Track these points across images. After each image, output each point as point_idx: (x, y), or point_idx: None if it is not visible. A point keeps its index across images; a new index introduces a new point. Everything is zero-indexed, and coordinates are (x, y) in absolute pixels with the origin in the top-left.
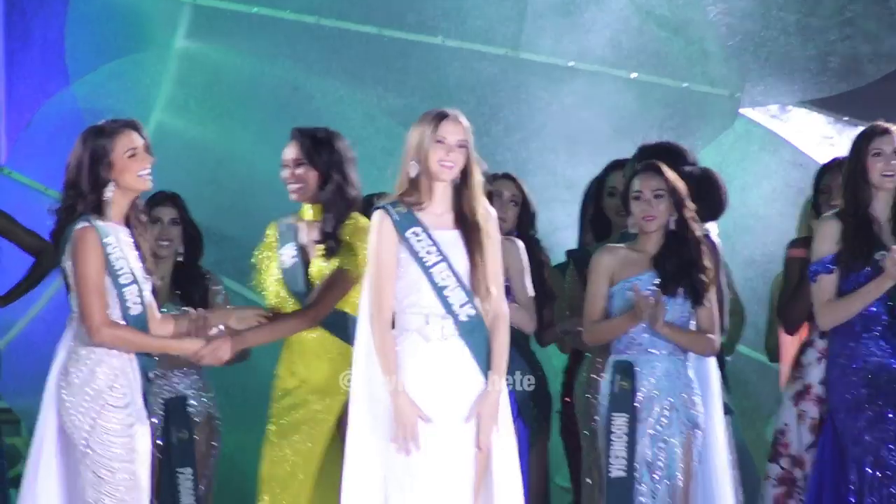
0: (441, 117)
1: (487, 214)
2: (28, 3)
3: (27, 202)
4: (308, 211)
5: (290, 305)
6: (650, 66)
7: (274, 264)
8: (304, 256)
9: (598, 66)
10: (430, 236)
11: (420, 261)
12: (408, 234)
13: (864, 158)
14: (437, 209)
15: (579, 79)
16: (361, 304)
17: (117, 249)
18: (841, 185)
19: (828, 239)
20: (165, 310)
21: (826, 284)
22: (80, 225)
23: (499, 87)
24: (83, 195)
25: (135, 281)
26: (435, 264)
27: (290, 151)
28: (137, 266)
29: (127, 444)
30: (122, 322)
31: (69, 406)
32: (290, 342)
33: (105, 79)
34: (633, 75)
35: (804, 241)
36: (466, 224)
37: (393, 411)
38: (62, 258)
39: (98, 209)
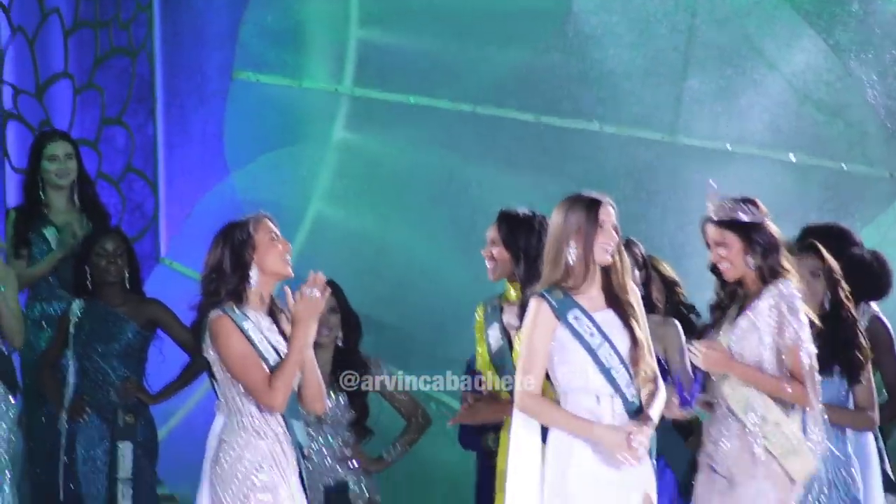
0: (598, 202)
1: (636, 293)
2: (187, 98)
3: (187, 293)
4: (510, 291)
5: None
6: (809, 148)
7: (483, 346)
8: (508, 337)
9: (756, 149)
10: (591, 318)
11: (585, 343)
12: (569, 317)
13: None
14: (593, 291)
15: (737, 162)
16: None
17: (258, 333)
18: None
19: None
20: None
21: None
22: (214, 314)
23: (656, 172)
24: (225, 281)
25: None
26: (599, 346)
27: (491, 231)
28: (284, 349)
29: None
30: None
31: (220, 490)
32: None
33: (264, 170)
34: (792, 158)
35: None
36: (619, 303)
37: (605, 442)
38: (203, 347)
39: (238, 297)
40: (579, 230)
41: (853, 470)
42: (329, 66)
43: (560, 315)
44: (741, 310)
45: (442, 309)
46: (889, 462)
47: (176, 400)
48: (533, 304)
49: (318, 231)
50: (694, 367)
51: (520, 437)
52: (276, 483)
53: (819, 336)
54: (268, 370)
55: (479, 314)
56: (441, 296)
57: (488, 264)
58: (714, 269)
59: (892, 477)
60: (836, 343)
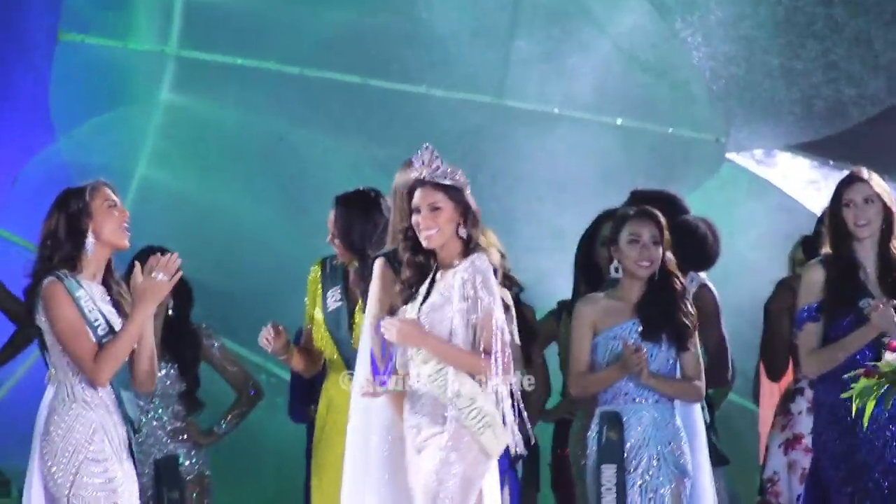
0: None
1: None
2: (12, 61)
3: (14, 259)
4: None
5: (331, 348)
6: (635, 111)
7: (315, 303)
8: (349, 301)
9: (584, 112)
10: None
11: None
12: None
13: (839, 208)
14: None
15: (565, 125)
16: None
17: (90, 302)
18: (825, 232)
19: (813, 286)
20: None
21: (811, 332)
22: (48, 280)
23: (484, 136)
24: (59, 248)
25: (111, 331)
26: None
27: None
28: (116, 321)
29: (109, 498)
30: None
31: (50, 463)
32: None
33: (90, 133)
34: (619, 121)
35: (784, 289)
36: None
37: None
38: (36, 316)
39: (72, 265)
40: (403, 190)
41: (682, 443)
42: (155, 27)
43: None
44: (433, 282)
45: (270, 273)
46: (716, 435)
47: (3, 371)
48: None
49: (145, 194)
50: (386, 342)
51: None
52: (107, 455)
53: (648, 303)
54: (95, 341)
55: (315, 271)
56: (269, 260)
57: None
58: (408, 236)
59: (719, 450)
60: (664, 311)
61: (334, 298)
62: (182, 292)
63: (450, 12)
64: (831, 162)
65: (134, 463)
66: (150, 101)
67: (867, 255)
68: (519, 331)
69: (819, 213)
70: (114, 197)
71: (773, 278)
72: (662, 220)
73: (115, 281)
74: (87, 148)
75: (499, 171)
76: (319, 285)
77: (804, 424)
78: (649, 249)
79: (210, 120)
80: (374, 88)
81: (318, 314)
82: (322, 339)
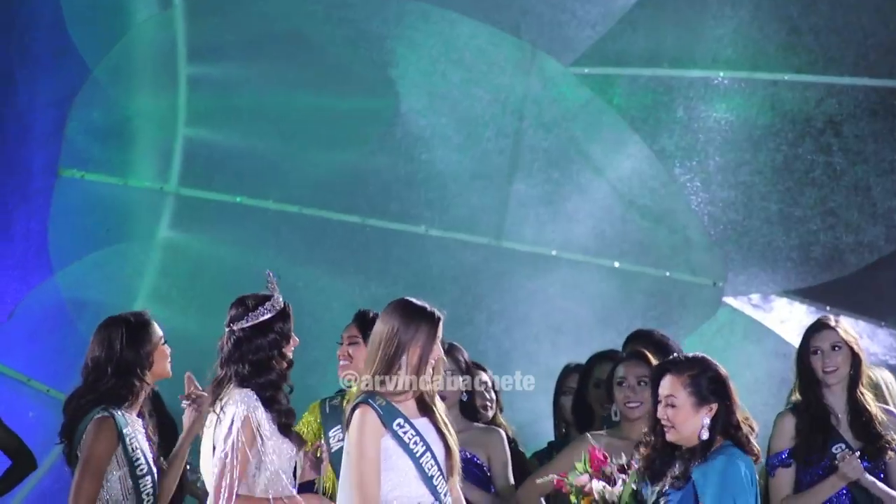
0: (438, 318)
1: (441, 402)
2: (10, 196)
3: (8, 393)
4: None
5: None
6: (633, 255)
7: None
8: None
9: (582, 255)
10: (412, 426)
11: (409, 452)
12: (394, 425)
13: (807, 356)
14: (409, 399)
15: (562, 268)
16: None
17: (135, 441)
18: (795, 379)
19: (784, 433)
20: None
21: (783, 479)
22: (99, 414)
23: (482, 276)
24: (106, 382)
25: (149, 472)
26: (422, 454)
27: (349, 330)
28: (151, 457)
29: None
30: None
31: None
32: None
33: (88, 269)
34: (617, 264)
35: None
36: (430, 411)
37: None
38: (77, 447)
39: (118, 399)
40: (420, 341)
41: None
42: (155, 165)
43: (386, 423)
44: None
45: None
46: None
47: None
48: (360, 411)
49: None
50: None
51: None
52: None
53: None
54: (129, 486)
55: (311, 415)
56: None
57: (345, 362)
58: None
59: None
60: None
61: (336, 438)
62: (166, 429)
63: (450, 154)
64: (828, 308)
65: None
66: (149, 238)
67: (837, 400)
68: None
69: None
70: (162, 333)
71: (767, 422)
72: (653, 361)
73: (147, 411)
74: (85, 283)
75: (496, 312)
76: (320, 426)
77: None
78: (635, 391)
79: (208, 257)
80: (373, 228)
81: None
82: (328, 478)
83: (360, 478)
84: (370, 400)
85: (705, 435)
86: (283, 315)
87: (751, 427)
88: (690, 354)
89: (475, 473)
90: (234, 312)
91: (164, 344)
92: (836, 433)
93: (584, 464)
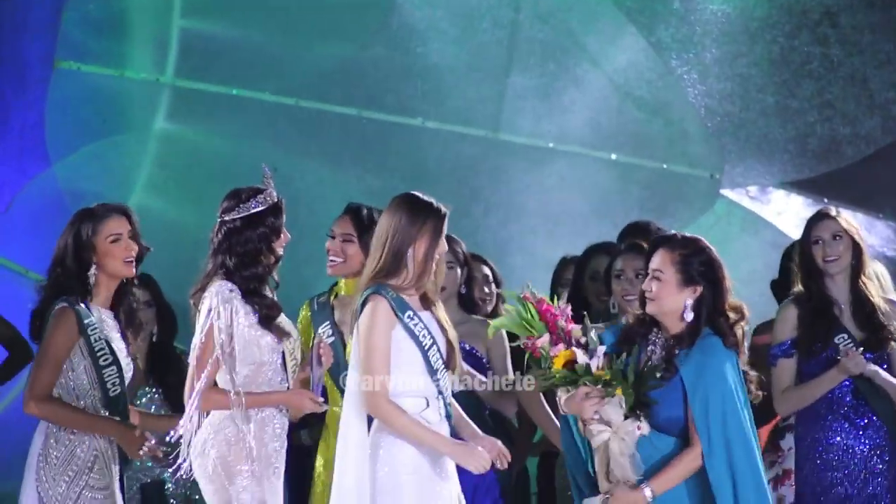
0: (444, 214)
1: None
2: (7, 87)
3: (6, 285)
4: (343, 287)
5: (329, 383)
6: (630, 147)
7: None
8: (340, 334)
9: (578, 147)
10: (420, 319)
11: (419, 343)
12: (405, 317)
13: (809, 246)
14: (413, 293)
15: (559, 160)
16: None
17: (97, 331)
18: (797, 270)
19: (787, 324)
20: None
21: (785, 368)
22: (59, 305)
23: (479, 169)
24: (69, 274)
25: (115, 362)
26: (429, 347)
27: (342, 226)
28: (122, 347)
29: None
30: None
31: (48, 486)
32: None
33: (85, 160)
34: (613, 156)
35: (769, 325)
36: (430, 305)
37: (460, 456)
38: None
39: (82, 292)
40: (426, 237)
41: None
42: (151, 56)
43: (398, 313)
44: None
45: None
46: None
47: None
48: (372, 301)
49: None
50: None
51: (349, 434)
52: (106, 484)
53: None
54: (53, 381)
55: (304, 312)
56: None
57: (336, 258)
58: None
59: None
60: None
61: (326, 334)
62: (166, 317)
63: (446, 46)
64: (825, 200)
65: (123, 491)
66: (146, 130)
67: (839, 291)
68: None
69: (782, 252)
70: (118, 230)
71: (764, 314)
72: None
73: (123, 309)
74: (82, 175)
75: (492, 204)
76: (310, 323)
77: (793, 460)
78: (633, 284)
79: (204, 149)
80: (370, 120)
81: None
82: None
83: (371, 366)
84: (382, 291)
85: (689, 317)
86: (275, 209)
87: (742, 315)
88: (689, 235)
89: (473, 366)
90: (227, 204)
91: (114, 242)
92: (838, 323)
93: (527, 313)
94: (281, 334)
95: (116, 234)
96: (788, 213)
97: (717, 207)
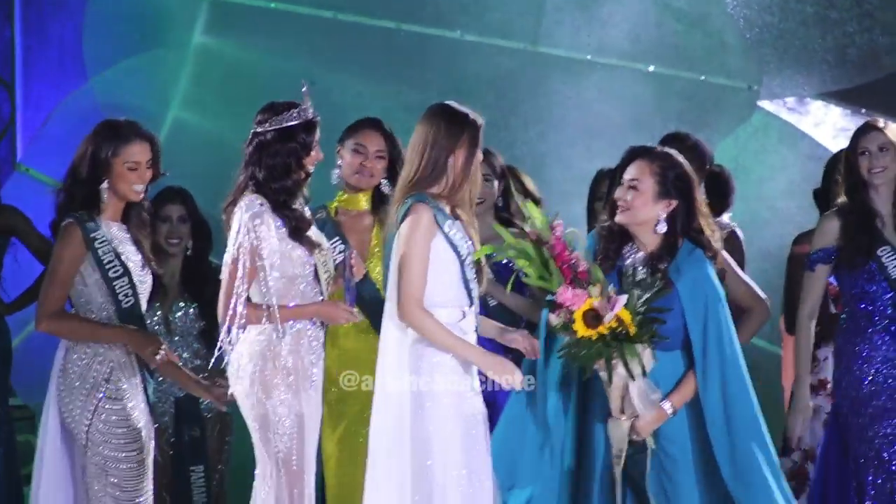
0: (480, 125)
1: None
2: (45, 2)
3: (44, 199)
4: (361, 201)
5: (341, 296)
6: (668, 59)
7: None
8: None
9: (617, 59)
10: (459, 229)
11: (458, 254)
12: (445, 227)
13: (855, 157)
14: (445, 204)
15: (597, 72)
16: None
17: (105, 244)
18: (841, 181)
19: (829, 234)
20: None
21: (820, 275)
22: (66, 221)
23: (517, 82)
24: (81, 188)
25: (125, 273)
26: (466, 257)
27: (375, 141)
28: (136, 259)
29: (128, 435)
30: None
31: (67, 401)
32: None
33: (122, 75)
34: (651, 68)
35: (810, 235)
36: (458, 215)
37: (492, 367)
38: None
39: (92, 205)
40: (464, 147)
41: None
42: None
43: (440, 223)
44: None
45: None
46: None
47: (31, 309)
48: (417, 209)
49: (176, 136)
50: None
51: (388, 341)
52: (125, 393)
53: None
54: (103, 288)
55: None
56: None
57: (370, 174)
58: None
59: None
60: None
61: (337, 250)
62: (201, 232)
63: None
64: (864, 111)
65: (148, 404)
66: (183, 44)
67: (884, 203)
68: None
69: (826, 163)
70: (138, 157)
71: (802, 225)
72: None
73: (135, 223)
74: (119, 89)
75: (531, 117)
76: None
77: (828, 370)
78: None
79: (242, 63)
80: (407, 33)
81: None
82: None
83: (409, 275)
84: (425, 199)
85: (661, 228)
86: (308, 126)
87: (713, 230)
88: (665, 149)
89: (508, 279)
90: (261, 116)
91: (131, 169)
92: (880, 235)
93: (536, 255)
94: (312, 246)
95: (135, 162)
96: (826, 124)
97: (754, 119)
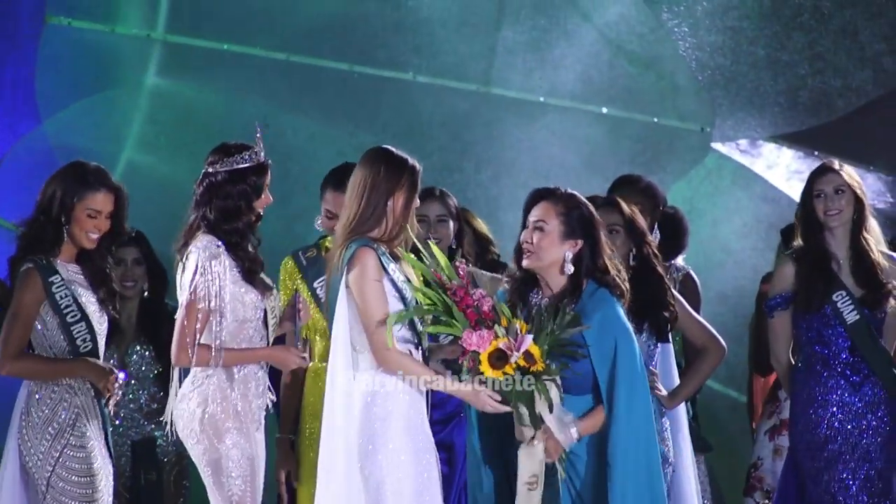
0: (418, 169)
1: None
2: None
3: None
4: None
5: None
6: (621, 101)
7: (287, 299)
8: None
9: (569, 101)
10: (401, 271)
11: (402, 296)
12: (389, 269)
13: (810, 199)
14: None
15: (550, 114)
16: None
17: (63, 288)
18: (797, 223)
19: (784, 279)
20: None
21: (783, 321)
22: (25, 266)
23: (470, 123)
24: (44, 228)
25: (83, 318)
26: (411, 300)
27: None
28: (93, 302)
29: (88, 484)
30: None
31: (30, 444)
32: None
33: (76, 116)
34: (604, 110)
35: None
36: (397, 258)
37: (469, 398)
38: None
39: (52, 245)
40: (403, 190)
41: (664, 430)
42: (142, 12)
43: (385, 266)
44: None
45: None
46: (697, 422)
47: None
48: (363, 254)
49: (129, 178)
50: None
51: (337, 385)
52: (88, 439)
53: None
54: (24, 341)
55: (289, 263)
56: None
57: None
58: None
59: (701, 436)
60: (647, 301)
61: (322, 288)
62: (157, 274)
63: (437, 0)
64: (816, 153)
65: (109, 448)
66: (137, 85)
67: (839, 246)
68: None
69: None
70: (100, 207)
71: (756, 267)
72: (625, 207)
73: (92, 267)
74: (73, 131)
75: (484, 159)
76: (300, 278)
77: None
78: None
79: (196, 104)
80: (361, 75)
81: (313, 307)
82: (315, 329)
83: (376, 321)
84: (369, 243)
85: (568, 269)
86: (259, 168)
87: (618, 270)
88: (568, 190)
89: None
90: (213, 157)
91: (90, 216)
92: (837, 280)
93: (440, 296)
94: (264, 289)
95: (96, 211)
96: (779, 166)
97: (707, 161)
